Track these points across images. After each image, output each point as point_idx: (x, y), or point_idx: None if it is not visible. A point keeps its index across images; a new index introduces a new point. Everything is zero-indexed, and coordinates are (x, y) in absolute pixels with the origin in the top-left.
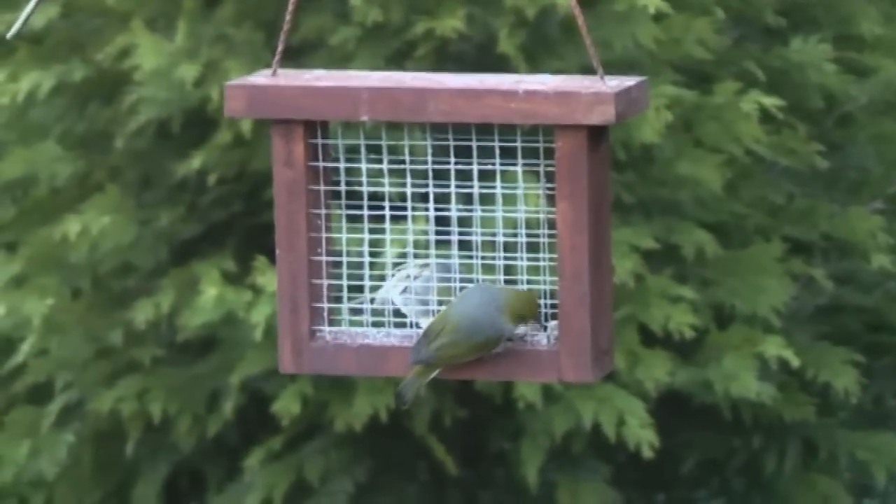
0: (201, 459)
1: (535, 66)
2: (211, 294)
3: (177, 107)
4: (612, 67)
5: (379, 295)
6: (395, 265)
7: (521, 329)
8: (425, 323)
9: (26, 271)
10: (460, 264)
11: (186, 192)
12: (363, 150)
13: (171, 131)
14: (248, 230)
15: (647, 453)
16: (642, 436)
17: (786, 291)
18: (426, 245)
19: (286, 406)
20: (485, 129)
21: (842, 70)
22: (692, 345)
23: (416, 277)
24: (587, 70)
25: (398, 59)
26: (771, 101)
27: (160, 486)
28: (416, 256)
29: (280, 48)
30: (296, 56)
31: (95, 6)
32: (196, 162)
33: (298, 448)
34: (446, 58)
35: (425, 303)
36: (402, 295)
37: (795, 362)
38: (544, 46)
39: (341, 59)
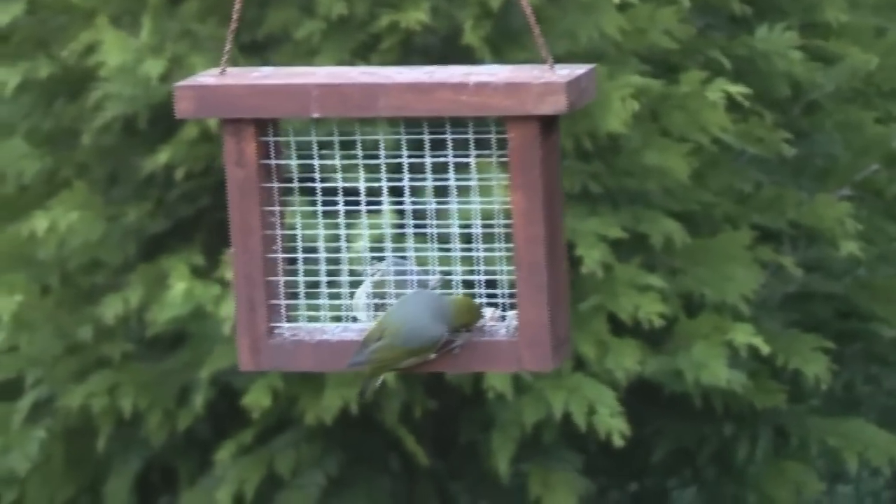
0: (172, 454)
1: (500, 58)
2: (179, 289)
3: (143, 103)
4: (577, 58)
5: (354, 302)
6: (357, 268)
7: (459, 336)
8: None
9: None
10: (416, 257)
11: (154, 187)
12: (315, 146)
13: (137, 127)
14: (216, 224)
15: (618, 442)
16: (613, 425)
17: (755, 279)
18: (383, 239)
19: (256, 400)
20: (438, 122)
21: (808, 58)
22: (661, 333)
23: (373, 274)
24: (554, 60)
25: (363, 53)
26: (737, 90)
27: (132, 481)
28: (372, 250)
29: (227, 48)
30: (261, 51)
31: (60, 3)
32: (163, 157)
33: (269, 441)
34: (411, 50)
35: (383, 297)
36: (365, 310)
37: (765, 350)
38: (509, 37)
39: (306, 54)
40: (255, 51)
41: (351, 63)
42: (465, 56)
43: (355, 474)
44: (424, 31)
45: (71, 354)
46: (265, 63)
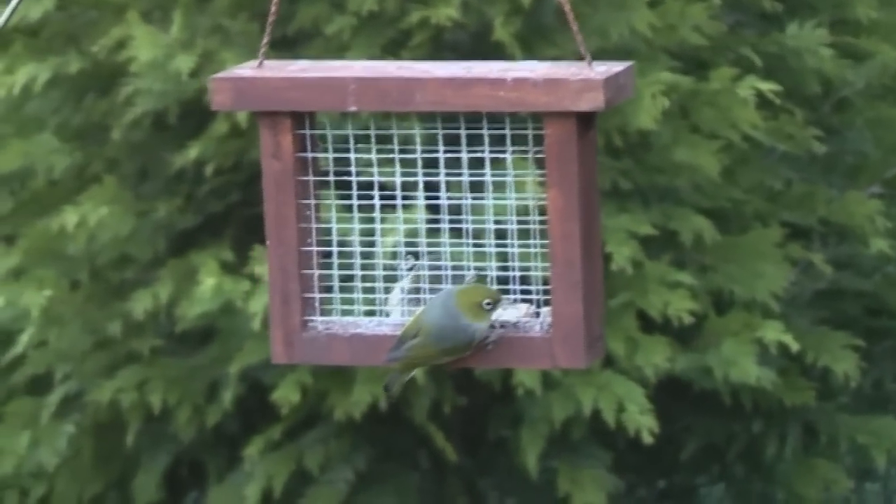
0: (201, 449)
1: (530, 54)
2: (209, 284)
3: (173, 98)
4: (608, 54)
5: (390, 299)
6: (391, 263)
7: (497, 322)
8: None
9: (24, 263)
10: (451, 253)
11: (184, 182)
12: (352, 140)
13: (167, 122)
14: (246, 220)
15: (647, 439)
16: (642, 422)
17: (784, 276)
18: (417, 234)
19: (285, 395)
20: (474, 117)
21: (838, 55)
22: (691, 330)
23: (409, 268)
24: (583, 57)
25: (393, 49)
26: (768, 87)
27: (160, 477)
28: (406, 245)
29: (265, 39)
30: (291, 46)
31: None
32: (193, 152)
33: (298, 437)
34: (441, 46)
35: (417, 293)
36: (398, 306)
37: (795, 347)
38: (540, 34)
39: (337, 49)
40: (285, 46)
41: (381, 59)
42: (495, 52)
43: (384, 470)
44: (454, 27)
45: (100, 349)
46: (295, 58)
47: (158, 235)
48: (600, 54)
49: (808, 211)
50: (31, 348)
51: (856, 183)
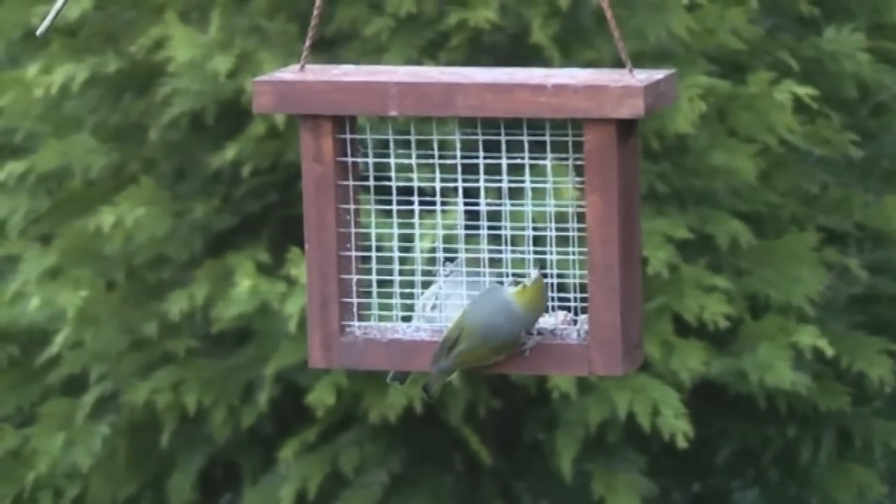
0: (236, 451)
1: (568, 57)
2: (245, 285)
3: (210, 98)
4: (646, 58)
5: (421, 301)
6: (430, 269)
7: (534, 328)
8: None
9: (61, 263)
10: (490, 259)
11: (221, 183)
12: (392, 144)
13: (205, 123)
14: (282, 221)
15: (682, 443)
16: (677, 426)
17: (820, 281)
18: (455, 239)
19: (321, 397)
20: (514, 123)
21: (875, 59)
22: (727, 334)
23: (447, 274)
24: (621, 61)
25: (431, 51)
26: (805, 91)
27: (195, 478)
28: (445, 251)
29: (308, 43)
30: (329, 48)
31: None
32: (230, 153)
33: (333, 439)
34: (479, 49)
35: (457, 297)
36: (432, 311)
37: (830, 352)
38: (578, 37)
39: (374, 51)
40: (323, 48)
41: (419, 61)
42: (533, 55)
43: (419, 473)
44: (493, 30)
45: (136, 350)
46: (333, 60)
47: (195, 236)
48: (637, 57)
49: (845, 215)
50: (66, 348)
51: (892, 188)
